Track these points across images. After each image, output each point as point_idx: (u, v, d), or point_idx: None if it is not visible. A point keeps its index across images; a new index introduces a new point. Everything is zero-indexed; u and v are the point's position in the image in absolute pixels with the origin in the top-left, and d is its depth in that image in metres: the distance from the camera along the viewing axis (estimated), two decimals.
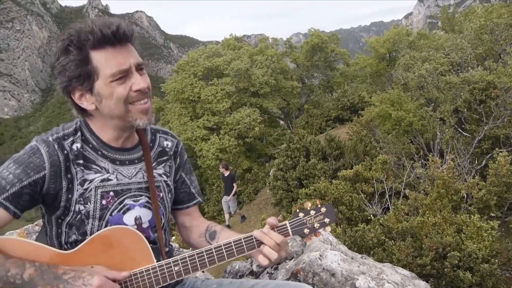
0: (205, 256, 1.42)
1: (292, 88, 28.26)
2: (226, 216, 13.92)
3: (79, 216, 1.42)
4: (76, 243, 1.42)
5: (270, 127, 29.61)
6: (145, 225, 1.52)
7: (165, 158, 1.64)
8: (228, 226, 12.40)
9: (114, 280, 1.31)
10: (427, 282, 5.57)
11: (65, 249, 1.42)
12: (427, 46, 18.92)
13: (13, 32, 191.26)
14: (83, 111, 1.46)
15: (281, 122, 32.74)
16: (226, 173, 13.37)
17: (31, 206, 1.40)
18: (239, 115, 23.90)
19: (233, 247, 1.44)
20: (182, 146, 1.76)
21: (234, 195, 13.47)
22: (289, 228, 1.50)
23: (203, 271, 2.79)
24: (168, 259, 1.41)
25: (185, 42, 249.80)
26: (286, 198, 14.60)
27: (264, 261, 1.45)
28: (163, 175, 1.61)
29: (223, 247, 1.44)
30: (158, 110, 30.05)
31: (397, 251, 5.97)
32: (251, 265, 2.92)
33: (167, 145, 1.67)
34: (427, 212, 6.50)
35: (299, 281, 2.32)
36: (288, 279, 2.39)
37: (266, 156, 24.75)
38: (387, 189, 9.08)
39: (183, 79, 26.61)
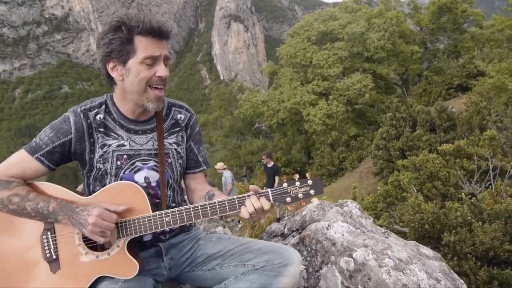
0: (191, 211, 1.68)
1: (411, 53, 26.15)
2: (277, 210, 12.39)
3: (100, 172, 1.79)
4: None
5: (385, 94, 28.16)
6: (153, 184, 1.85)
7: (177, 129, 1.93)
8: (278, 220, 11.19)
9: (115, 212, 1.64)
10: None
11: None
12: None
13: None
14: (111, 80, 1.77)
15: (399, 89, 30.84)
16: (270, 164, 11.86)
17: (63, 162, 1.81)
18: (350, 80, 23.10)
19: (217, 206, 1.68)
20: (196, 120, 2.03)
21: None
22: (270, 194, 1.69)
23: (224, 227, 3.16)
24: (161, 211, 1.70)
25: (310, 4, 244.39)
26: (386, 168, 14.21)
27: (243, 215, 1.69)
28: (173, 144, 1.91)
29: (208, 206, 1.68)
30: (272, 74, 30.62)
31: (482, 234, 5.61)
32: (284, 228, 3.20)
33: (180, 118, 1.96)
34: None
35: (305, 245, 2.54)
36: (297, 243, 2.63)
37: (377, 123, 23.79)
38: (492, 167, 8.34)
39: (297, 44, 26.53)
